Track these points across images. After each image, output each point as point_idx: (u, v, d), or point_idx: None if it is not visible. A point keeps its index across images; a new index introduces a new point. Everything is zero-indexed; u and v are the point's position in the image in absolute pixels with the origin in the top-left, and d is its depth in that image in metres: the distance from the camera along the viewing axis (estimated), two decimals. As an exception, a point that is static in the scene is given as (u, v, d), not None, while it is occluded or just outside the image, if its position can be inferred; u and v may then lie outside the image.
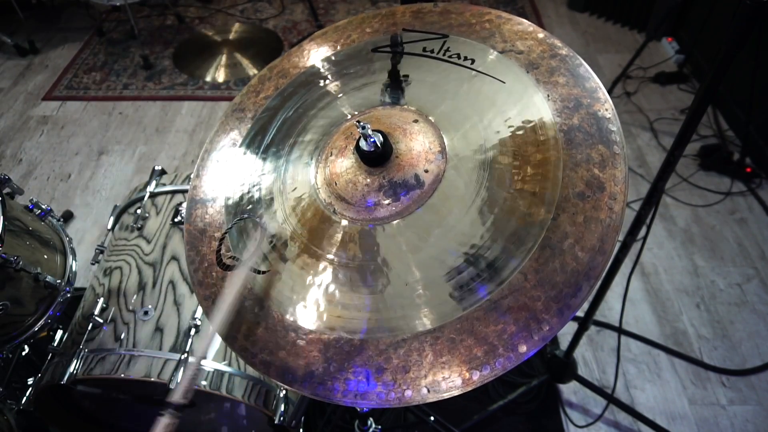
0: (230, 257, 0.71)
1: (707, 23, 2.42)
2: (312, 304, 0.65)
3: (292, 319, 0.64)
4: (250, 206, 0.74)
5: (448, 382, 0.55)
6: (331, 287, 0.65)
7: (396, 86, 0.76)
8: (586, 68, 0.67)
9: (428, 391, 0.55)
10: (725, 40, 0.81)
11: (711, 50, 2.61)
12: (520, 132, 0.65)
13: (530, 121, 0.65)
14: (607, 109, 0.62)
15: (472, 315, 0.57)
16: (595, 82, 0.65)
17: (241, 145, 0.81)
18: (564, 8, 3.34)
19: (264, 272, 0.69)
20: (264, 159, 0.78)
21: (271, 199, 0.74)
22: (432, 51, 0.76)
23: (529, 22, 0.73)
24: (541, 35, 0.71)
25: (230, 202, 0.76)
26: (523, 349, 0.54)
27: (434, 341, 0.58)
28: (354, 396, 0.58)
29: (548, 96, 0.66)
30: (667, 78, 2.71)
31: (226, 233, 0.73)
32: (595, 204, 0.58)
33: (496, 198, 0.63)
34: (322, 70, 0.83)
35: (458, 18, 0.77)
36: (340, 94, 0.80)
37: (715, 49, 0.83)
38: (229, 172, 0.79)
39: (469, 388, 0.54)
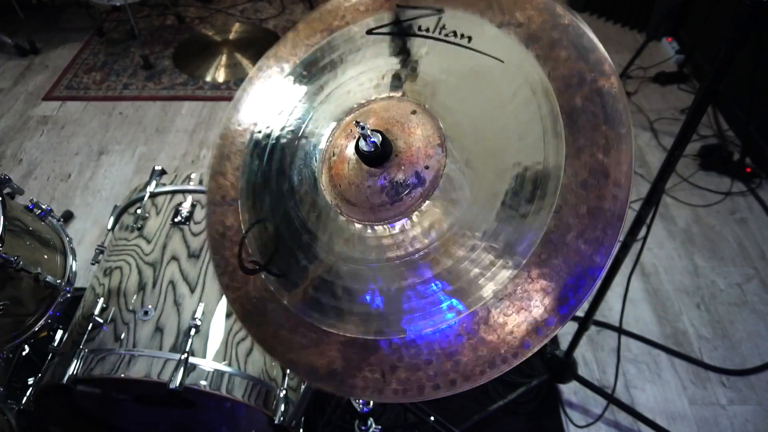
0: (251, 261, 0.72)
1: (707, 23, 2.42)
2: (327, 305, 0.66)
3: (310, 320, 0.66)
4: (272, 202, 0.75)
5: (457, 378, 0.56)
6: (346, 289, 0.66)
7: (403, 73, 0.74)
8: (589, 38, 0.61)
9: (439, 387, 0.57)
10: (725, 40, 0.81)
11: (711, 50, 2.61)
12: (521, 113, 0.63)
13: (530, 101, 0.63)
14: (612, 84, 0.58)
15: (476, 312, 0.58)
16: (600, 53, 0.60)
17: (281, 91, 0.80)
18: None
19: (283, 276, 0.70)
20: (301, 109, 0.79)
21: (292, 195, 0.75)
22: (427, 29, 0.72)
23: None
24: (541, 4, 0.66)
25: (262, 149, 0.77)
26: (528, 345, 0.54)
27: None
28: (372, 392, 0.60)
29: (549, 74, 0.62)
30: (667, 78, 2.71)
31: (244, 237, 0.74)
32: (599, 193, 0.56)
33: (500, 188, 0.62)
34: (350, 38, 0.80)
35: None
36: (337, 87, 0.79)
37: (715, 49, 0.83)
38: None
39: (476, 385, 0.56)
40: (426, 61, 0.73)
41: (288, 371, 1.19)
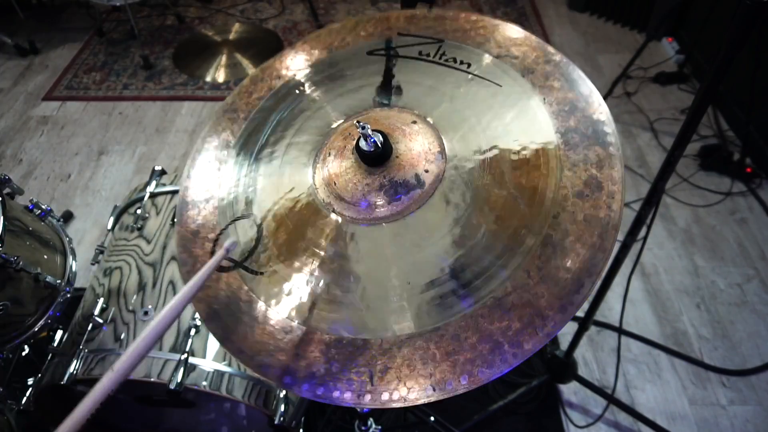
0: (226, 258, 0.70)
1: (707, 23, 2.42)
2: (311, 304, 0.64)
3: (290, 320, 0.64)
4: (245, 207, 0.74)
5: (454, 380, 0.55)
6: (332, 287, 0.65)
7: (387, 89, 0.77)
8: (579, 74, 0.68)
9: (434, 390, 0.55)
10: (725, 40, 0.81)
11: (711, 50, 2.61)
12: (519, 133, 0.66)
13: (528, 123, 0.66)
14: (601, 113, 0.64)
15: (476, 312, 0.57)
16: (588, 87, 0.66)
17: (234, 146, 0.80)
18: (564, 8, 3.34)
19: (260, 273, 0.68)
20: (258, 160, 0.78)
21: (267, 201, 0.74)
22: (428, 55, 0.77)
23: (523, 30, 0.74)
24: (534, 42, 0.73)
25: (225, 203, 0.76)
26: (528, 345, 0.54)
27: (439, 339, 0.57)
28: (357, 396, 0.57)
29: (544, 99, 0.67)
30: (667, 78, 2.71)
31: (220, 234, 0.73)
32: (595, 203, 0.59)
33: (497, 197, 0.63)
34: (317, 72, 0.83)
35: (452, 24, 0.79)
36: (338, 97, 0.80)
37: (715, 49, 0.83)
38: (222, 174, 0.78)
39: (475, 386, 0.54)
40: (425, 82, 0.76)
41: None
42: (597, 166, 0.61)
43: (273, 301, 0.66)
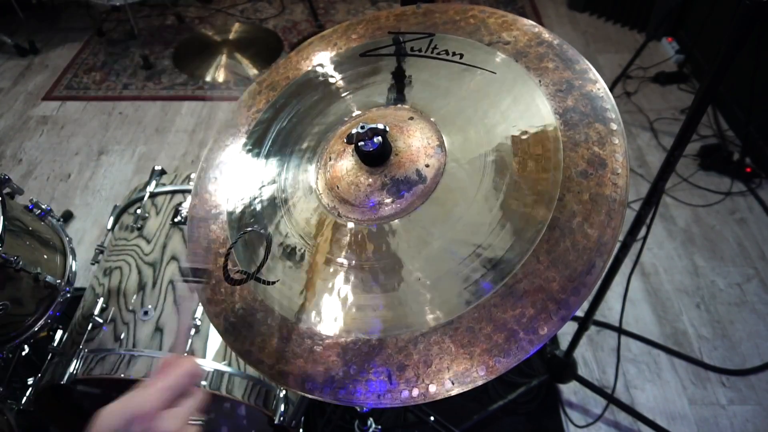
0: (237, 272, 0.71)
1: (707, 23, 2.42)
2: (325, 308, 0.64)
3: (306, 326, 0.64)
4: (253, 219, 0.74)
5: (472, 372, 0.55)
6: (344, 290, 0.65)
7: (400, 86, 0.76)
8: (573, 52, 0.68)
9: (453, 383, 0.55)
10: (725, 40, 0.81)
11: (711, 50, 2.61)
12: (517, 119, 0.66)
13: (525, 107, 0.66)
14: (599, 89, 0.64)
15: (489, 302, 0.57)
16: (585, 63, 0.66)
17: (237, 160, 0.80)
18: (564, 8, 3.34)
19: (273, 283, 0.68)
20: (263, 171, 0.78)
21: (275, 210, 0.74)
22: (420, 50, 0.77)
23: (513, 14, 0.74)
24: (525, 25, 0.72)
25: (233, 216, 0.76)
26: (543, 331, 0.54)
27: (454, 332, 0.57)
28: (377, 396, 0.57)
29: (540, 81, 0.67)
30: (667, 78, 2.71)
31: (231, 248, 0.73)
32: (599, 181, 0.58)
33: (500, 185, 0.63)
34: (312, 79, 0.83)
35: (442, 16, 0.78)
36: (335, 101, 0.80)
37: (715, 49, 0.83)
38: (229, 187, 0.78)
39: (493, 376, 0.54)
40: (420, 77, 0.76)
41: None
42: (599, 143, 0.60)
43: (287, 310, 0.66)
